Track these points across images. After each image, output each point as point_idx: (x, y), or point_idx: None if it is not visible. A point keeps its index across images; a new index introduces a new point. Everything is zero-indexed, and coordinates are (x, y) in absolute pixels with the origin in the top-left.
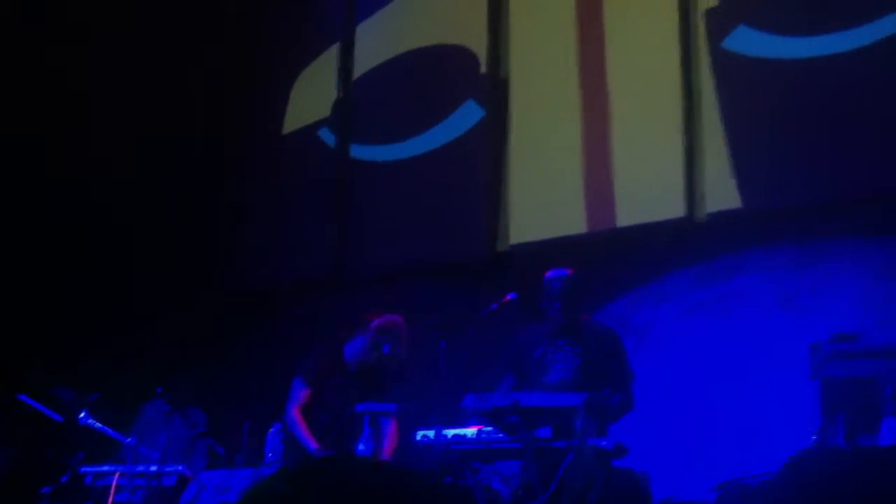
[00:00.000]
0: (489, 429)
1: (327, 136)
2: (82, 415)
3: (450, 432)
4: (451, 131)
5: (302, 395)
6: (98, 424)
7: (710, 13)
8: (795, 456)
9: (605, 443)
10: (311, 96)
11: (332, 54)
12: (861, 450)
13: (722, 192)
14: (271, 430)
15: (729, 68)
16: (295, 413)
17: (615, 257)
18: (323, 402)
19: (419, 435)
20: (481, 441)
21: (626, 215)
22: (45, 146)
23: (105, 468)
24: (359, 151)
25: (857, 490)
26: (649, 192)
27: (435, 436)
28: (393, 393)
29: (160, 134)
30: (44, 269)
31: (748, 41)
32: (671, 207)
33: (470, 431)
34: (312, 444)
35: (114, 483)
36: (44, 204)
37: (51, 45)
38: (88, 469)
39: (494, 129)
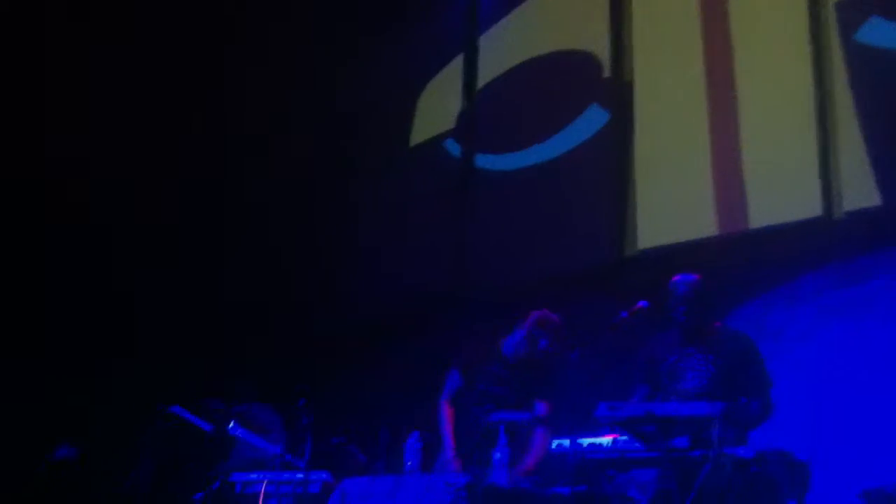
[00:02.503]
0: (625, 437)
1: (453, 147)
2: (231, 425)
3: (585, 441)
4: (576, 136)
5: (455, 385)
6: (246, 434)
7: (841, 5)
8: None
9: (742, 452)
10: (437, 108)
11: (456, 66)
12: None
13: (860, 189)
14: (410, 437)
15: (862, 61)
16: (444, 405)
17: (747, 259)
18: (478, 393)
19: (555, 444)
20: (617, 450)
21: (760, 216)
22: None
23: (254, 476)
24: (484, 161)
25: None
26: (783, 191)
27: (570, 444)
28: (543, 392)
29: (291, 161)
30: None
31: (881, 32)
32: (807, 207)
33: (605, 440)
34: (450, 446)
35: (262, 490)
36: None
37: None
38: (238, 477)
39: (620, 133)
